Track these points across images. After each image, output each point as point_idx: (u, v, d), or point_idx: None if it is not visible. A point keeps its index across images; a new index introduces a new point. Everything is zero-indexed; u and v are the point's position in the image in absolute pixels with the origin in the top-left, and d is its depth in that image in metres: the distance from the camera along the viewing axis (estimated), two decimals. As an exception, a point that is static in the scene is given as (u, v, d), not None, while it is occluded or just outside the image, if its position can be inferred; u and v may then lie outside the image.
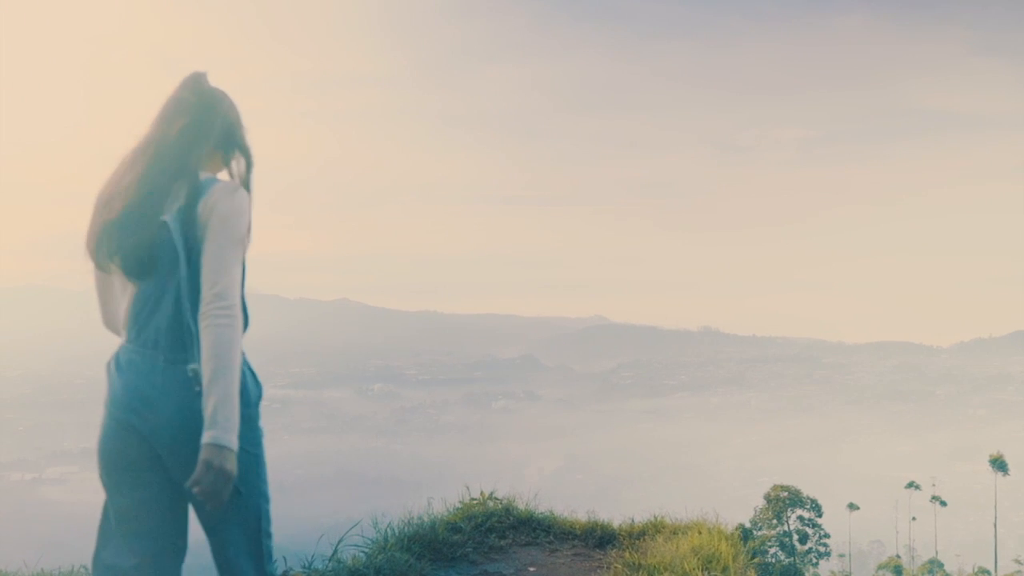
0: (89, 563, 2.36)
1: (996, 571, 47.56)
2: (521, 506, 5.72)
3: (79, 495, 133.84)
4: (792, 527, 34.60)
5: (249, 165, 2.59)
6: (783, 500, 34.44)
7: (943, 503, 52.80)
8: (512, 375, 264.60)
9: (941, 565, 48.28)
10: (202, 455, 2.21)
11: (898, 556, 53.86)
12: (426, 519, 5.24)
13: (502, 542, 5.22)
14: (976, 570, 48.48)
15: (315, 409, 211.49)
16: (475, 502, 5.67)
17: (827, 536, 34.38)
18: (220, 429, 2.22)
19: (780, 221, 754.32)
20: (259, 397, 2.58)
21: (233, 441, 2.23)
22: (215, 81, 2.52)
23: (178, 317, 2.36)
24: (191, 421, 2.32)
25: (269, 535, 2.50)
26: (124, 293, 2.46)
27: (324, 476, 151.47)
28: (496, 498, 5.71)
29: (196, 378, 2.33)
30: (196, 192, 2.38)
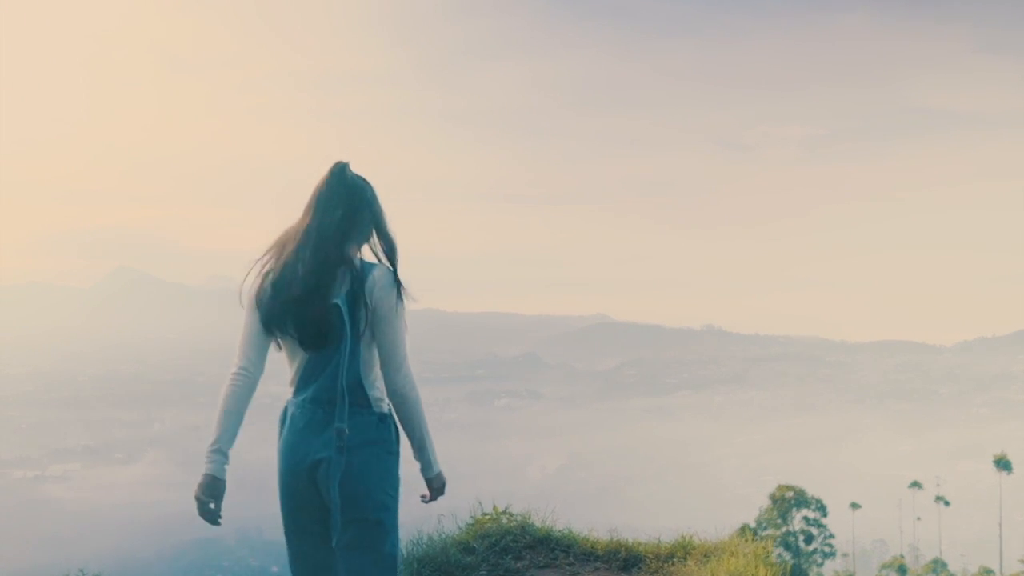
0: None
1: (1001, 571, 47.39)
2: (538, 522, 5.25)
3: (81, 493, 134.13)
4: (797, 527, 34.45)
5: (393, 251, 3.05)
6: (788, 500, 34.29)
7: (947, 503, 52.63)
8: (515, 373, 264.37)
9: (945, 565, 48.17)
10: (434, 485, 3.15)
11: (902, 556, 53.69)
12: (436, 538, 4.90)
13: (518, 564, 4.83)
14: (980, 570, 48.32)
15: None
16: (488, 518, 5.25)
17: (832, 537, 34.23)
18: (430, 463, 3.12)
19: (783, 219, 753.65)
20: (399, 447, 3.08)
21: (439, 468, 3.16)
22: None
23: (336, 384, 2.91)
24: (339, 468, 2.88)
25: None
26: (295, 357, 3.02)
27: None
28: (511, 513, 5.27)
29: (341, 436, 2.87)
30: (359, 278, 2.92)
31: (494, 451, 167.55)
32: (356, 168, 3.00)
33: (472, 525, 5.23)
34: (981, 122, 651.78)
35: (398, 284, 2.97)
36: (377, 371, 2.97)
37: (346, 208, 2.98)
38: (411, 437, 3.06)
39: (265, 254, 3.04)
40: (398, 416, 3.02)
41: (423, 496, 3.17)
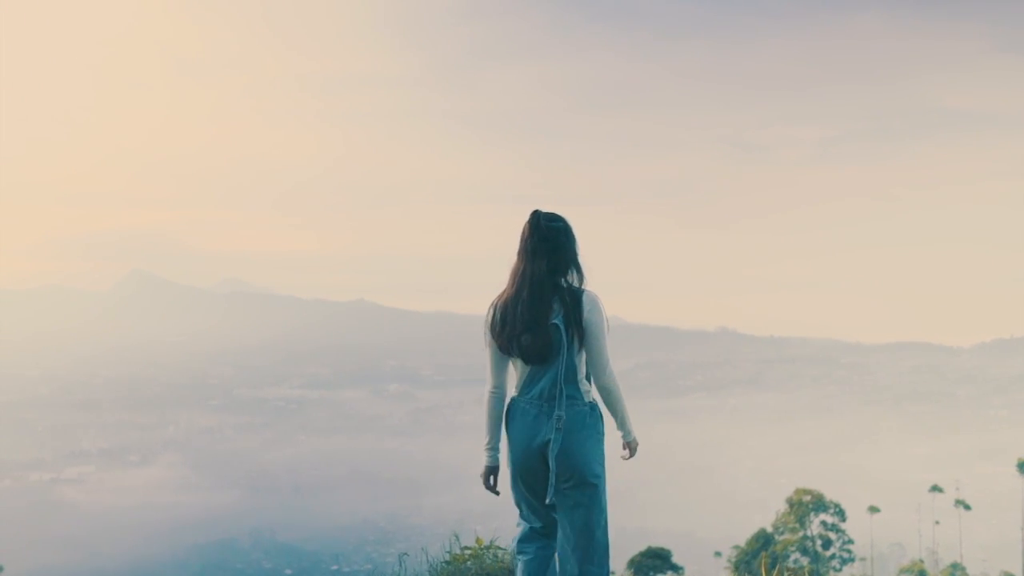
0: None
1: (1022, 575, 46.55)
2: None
3: (96, 495, 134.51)
4: (815, 532, 33.80)
5: (583, 278, 4.06)
6: (806, 504, 33.66)
7: (967, 507, 51.78)
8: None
9: (964, 569, 47.35)
10: (630, 447, 4.20)
11: (921, 560, 52.87)
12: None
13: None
14: (1002, 574, 47.48)
15: (331, 410, 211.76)
16: (467, 554, 4.80)
17: (851, 542, 33.56)
18: (629, 432, 4.17)
19: (797, 220, 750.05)
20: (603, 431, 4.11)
21: (634, 435, 4.20)
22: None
23: (555, 384, 3.95)
24: (560, 445, 3.93)
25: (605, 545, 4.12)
26: (522, 368, 4.03)
27: (340, 476, 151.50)
28: (498, 547, 4.91)
29: (559, 421, 3.92)
30: (572, 302, 3.95)
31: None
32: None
33: (448, 564, 4.65)
34: (997, 121, 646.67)
35: (601, 305, 3.99)
36: (584, 372, 3.99)
37: (549, 256, 4.00)
38: (615, 417, 4.12)
39: (498, 297, 4.08)
40: (605, 404, 4.07)
41: (623, 455, 4.17)
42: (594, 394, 4.05)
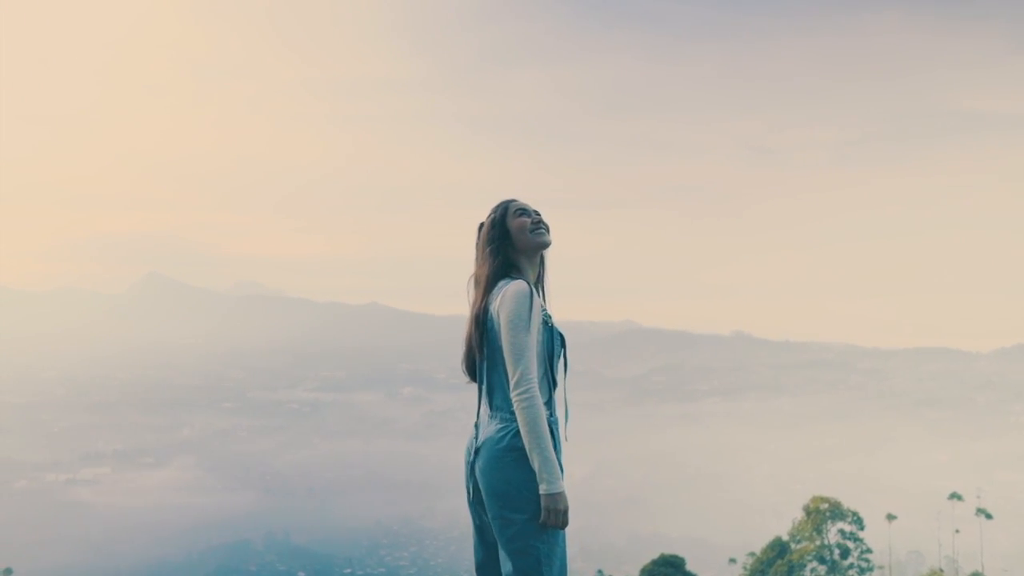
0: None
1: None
2: None
3: (111, 497, 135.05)
4: (833, 541, 33.17)
5: (509, 269, 3.62)
6: (823, 513, 33.03)
7: (988, 516, 50.82)
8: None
9: (985, 578, 46.42)
10: (542, 503, 3.38)
11: (940, 570, 51.98)
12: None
13: None
14: (1023, 585, 46.52)
15: (345, 412, 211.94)
16: None
17: (870, 551, 32.88)
18: (546, 483, 3.35)
19: (814, 223, 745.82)
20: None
21: (558, 486, 3.37)
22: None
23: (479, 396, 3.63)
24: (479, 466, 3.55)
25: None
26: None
27: (353, 479, 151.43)
28: None
29: (475, 438, 3.60)
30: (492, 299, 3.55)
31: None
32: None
33: None
34: (1018, 122, 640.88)
35: (518, 297, 3.54)
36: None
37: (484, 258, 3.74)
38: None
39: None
40: (520, 428, 3.53)
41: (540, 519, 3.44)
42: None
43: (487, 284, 3.55)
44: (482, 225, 3.68)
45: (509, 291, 3.42)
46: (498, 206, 3.67)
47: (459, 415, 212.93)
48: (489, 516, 3.48)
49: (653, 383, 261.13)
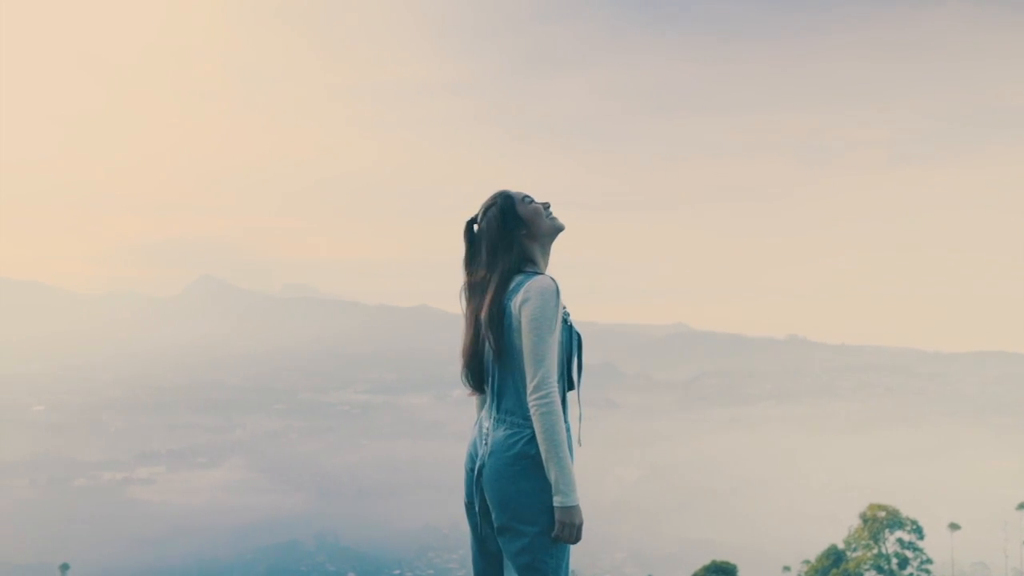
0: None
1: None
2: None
3: (165, 496, 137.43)
4: (890, 550, 31.56)
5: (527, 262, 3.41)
6: (881, 521, 31.44)
7: (1059, 525, 48.33)
8: (590, 383, 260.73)
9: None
10: (556, 516, 3.17)
11: (1008, 582, 49.60)
12: None
13: None
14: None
15: (395, 415, 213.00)
16: None
17: (929, 561, 31.23)
18: (562, 495, 3.14)
19: (869, 224, 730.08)
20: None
21: (574, 499, 3.15)
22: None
23: (492, 391, 3.41)
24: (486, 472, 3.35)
25: None
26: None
27: (403, 482, 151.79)
28: None
29: (485, 439, 3.37)
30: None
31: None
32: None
33: None
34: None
35: (543, 294, 3.36)
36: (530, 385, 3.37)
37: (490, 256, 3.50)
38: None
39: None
40: (537, 434, 3.34)
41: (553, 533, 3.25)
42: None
43: (502, 280, 3.29)
44: (475, 221, 3.43)
45: (534, 287, 3.21)
46: (499, 196, 3.39)
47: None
48: (495, 526, 3.29)
49: (705, 387, 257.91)
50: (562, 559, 3.19)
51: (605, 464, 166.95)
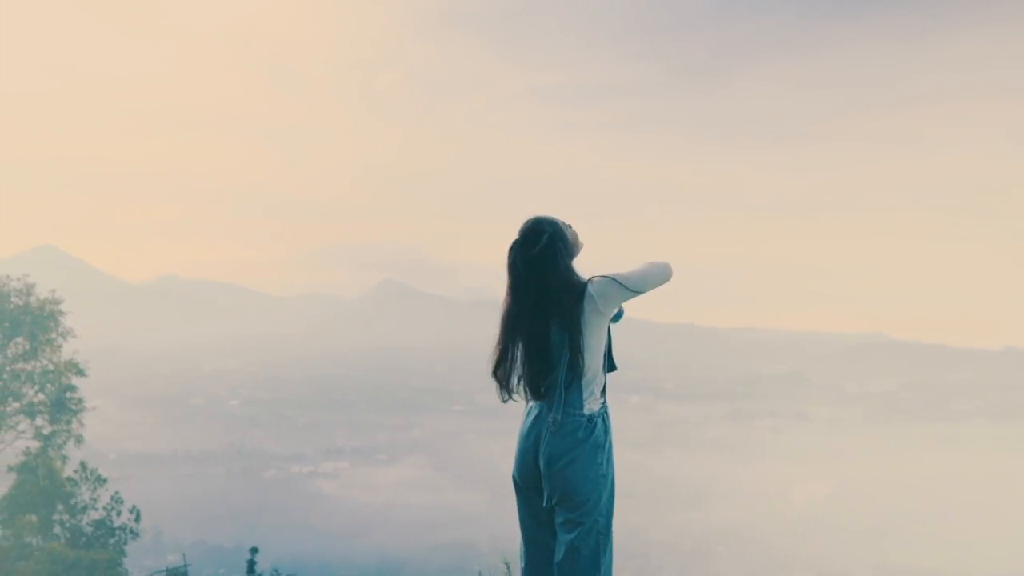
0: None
1: None
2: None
3: (348, 490, 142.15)
4: None
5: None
6: None
7: None
8: (778, 393, 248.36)
9: None
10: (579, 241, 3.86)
11: None
12: None
13: None
14: None
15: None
16: None
17: None
18: (626, 276, 3.77)
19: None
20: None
21: (626, 279, 3.78)
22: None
23: (559, 388, 3.64)
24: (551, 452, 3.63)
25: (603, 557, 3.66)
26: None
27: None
28: None
29: (554, 423, 3.64)
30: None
31: (753, 473, 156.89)
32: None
33: None
34: None
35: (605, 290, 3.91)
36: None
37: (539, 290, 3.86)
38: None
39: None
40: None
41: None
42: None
43: (574, 290, 3.62)
44: (520, 245, 3.68)
45: (598, 286, 3.66)
46: (548, 221, 3.72)
47: (685, 426, 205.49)
48: (556, 501, 3.64)
49: (904, 400, 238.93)
50: (611, 517, 3.60)
51: (792, 478, 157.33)
